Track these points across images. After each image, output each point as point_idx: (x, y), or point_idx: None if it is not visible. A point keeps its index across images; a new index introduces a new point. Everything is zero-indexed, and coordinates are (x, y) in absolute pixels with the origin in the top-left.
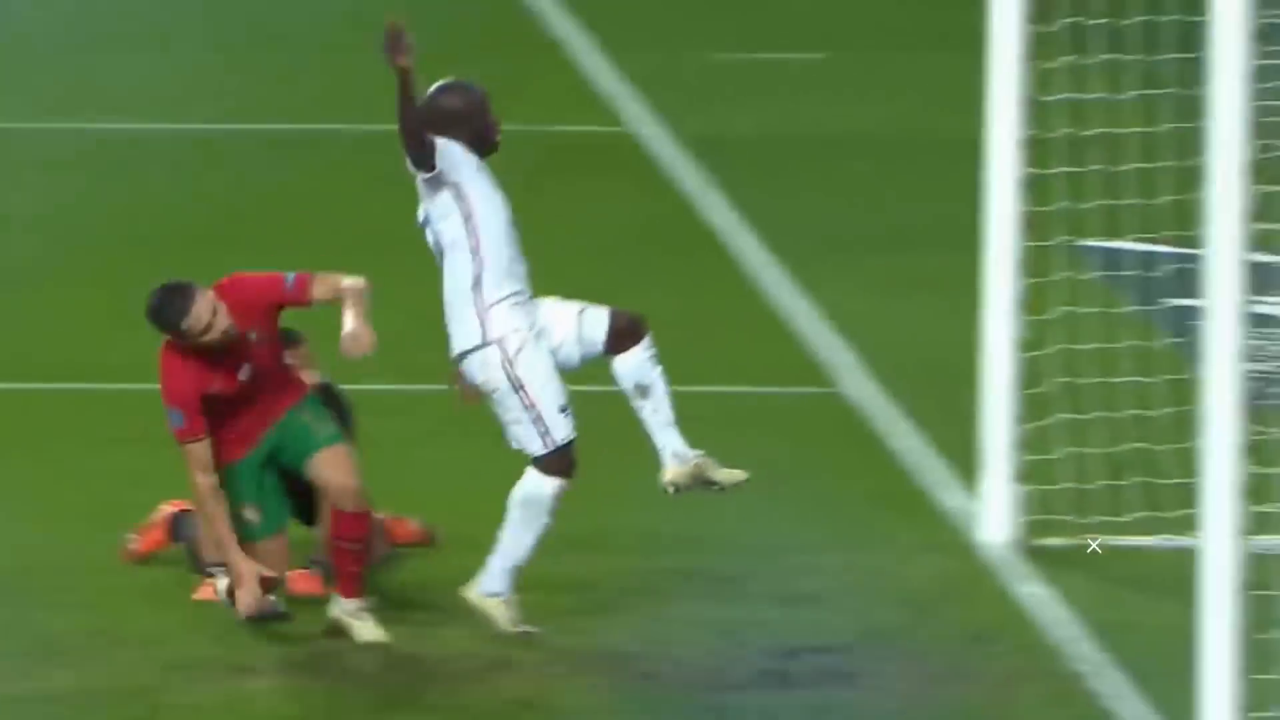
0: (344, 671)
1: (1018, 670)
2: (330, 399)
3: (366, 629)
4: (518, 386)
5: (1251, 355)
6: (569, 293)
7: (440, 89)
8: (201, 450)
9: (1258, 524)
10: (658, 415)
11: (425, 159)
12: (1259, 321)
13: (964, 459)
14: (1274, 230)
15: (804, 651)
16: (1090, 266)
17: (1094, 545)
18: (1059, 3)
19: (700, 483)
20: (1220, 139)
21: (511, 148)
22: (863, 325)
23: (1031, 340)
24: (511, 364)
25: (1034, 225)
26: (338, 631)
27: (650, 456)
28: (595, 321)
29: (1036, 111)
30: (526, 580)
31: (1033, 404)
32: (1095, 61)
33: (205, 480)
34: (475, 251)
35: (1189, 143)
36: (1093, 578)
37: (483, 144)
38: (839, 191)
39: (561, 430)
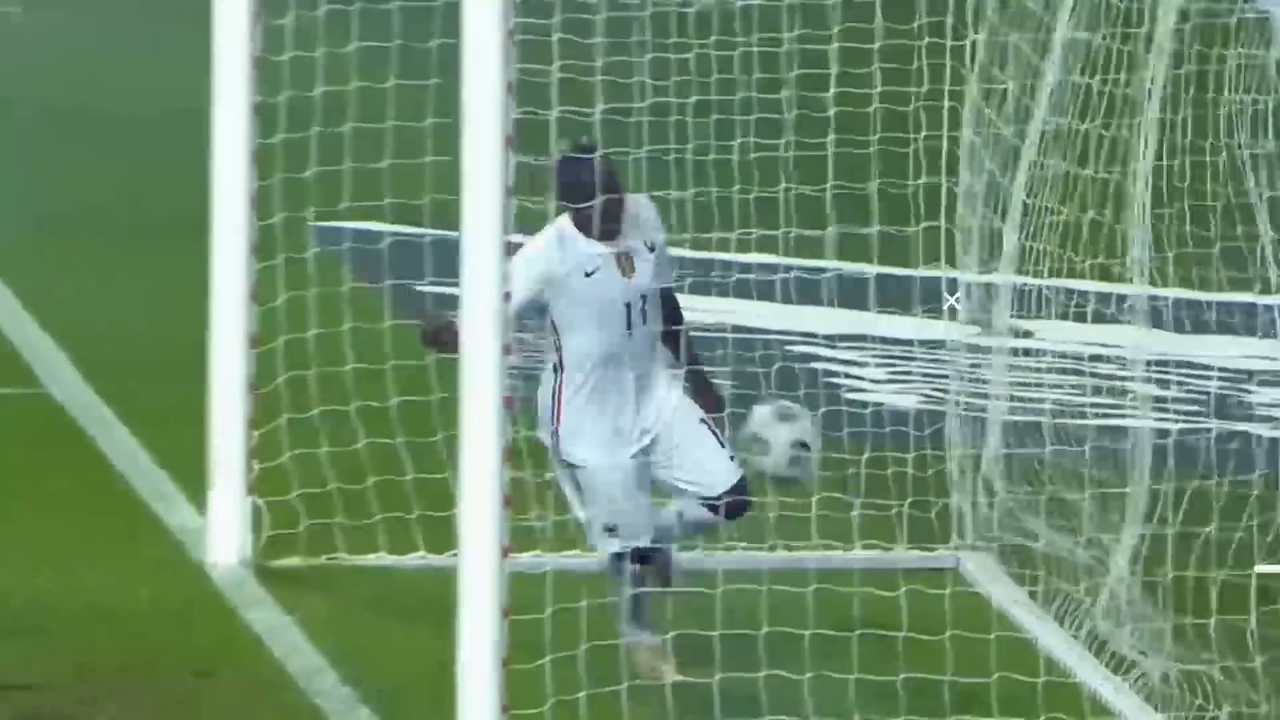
0: None
1: (250, 705)
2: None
3: None
4: (576, 490)
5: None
6: None
7: (607, 166)
8: None
9: (518, 539)
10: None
11: None
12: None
13: (190, 469)
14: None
15: (15, 690)
16: (316, 244)
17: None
18: None
19: None
20: (476, 113)
21: None
22: (73, 316)
23: (264, 334)
24: (572, 466)
25: (260, 204)
26: None
27: None
28: (711, 474)
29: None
30: None
31: (267, 405)
32: (353, 49)
33: None
34: (558, 348)
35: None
36: (336, 600)
37: (593, 230)
38: (48, 169)
39: (603, 546)
